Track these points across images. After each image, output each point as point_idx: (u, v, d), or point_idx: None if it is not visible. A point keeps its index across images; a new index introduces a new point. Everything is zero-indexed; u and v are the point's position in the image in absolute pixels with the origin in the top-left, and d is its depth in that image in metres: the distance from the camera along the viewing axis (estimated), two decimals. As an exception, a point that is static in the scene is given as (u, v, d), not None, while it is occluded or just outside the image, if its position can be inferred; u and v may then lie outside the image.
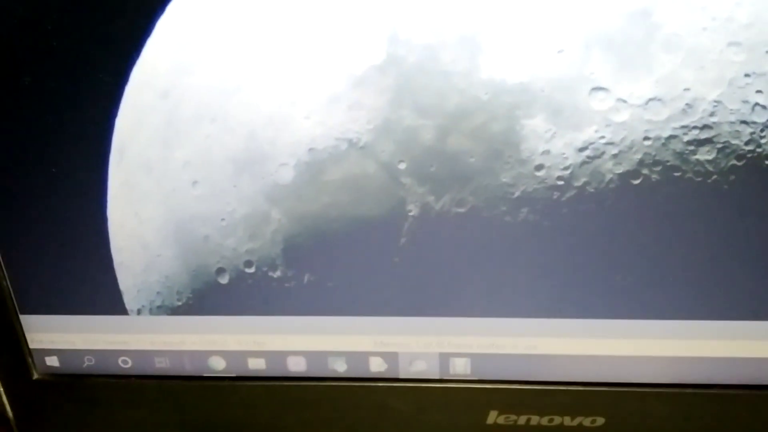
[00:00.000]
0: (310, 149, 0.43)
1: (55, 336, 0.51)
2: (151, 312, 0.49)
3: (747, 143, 0.40)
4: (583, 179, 0.42)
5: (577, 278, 0.45)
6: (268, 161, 0.43)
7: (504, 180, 0.42)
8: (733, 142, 0.40)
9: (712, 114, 0.40)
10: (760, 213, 0.42)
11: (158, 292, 0.48)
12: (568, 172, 0.42)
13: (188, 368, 0.52)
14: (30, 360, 0.52)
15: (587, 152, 0.41)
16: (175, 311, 0.49)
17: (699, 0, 0.38)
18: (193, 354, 0.51)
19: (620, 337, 0.47)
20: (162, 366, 0.52)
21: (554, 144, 0.41)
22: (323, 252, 0.46)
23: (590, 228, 0.43)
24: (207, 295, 0.48)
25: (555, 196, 0.42)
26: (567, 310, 0.46)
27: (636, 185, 0.41)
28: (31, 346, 0.52)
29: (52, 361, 0.52)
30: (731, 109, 0.39)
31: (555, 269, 0.45)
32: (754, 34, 0.38)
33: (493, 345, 0.48)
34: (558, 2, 0.39)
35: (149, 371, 0.52)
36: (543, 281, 0.45)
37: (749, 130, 0.40)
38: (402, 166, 0.43)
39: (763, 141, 0.40)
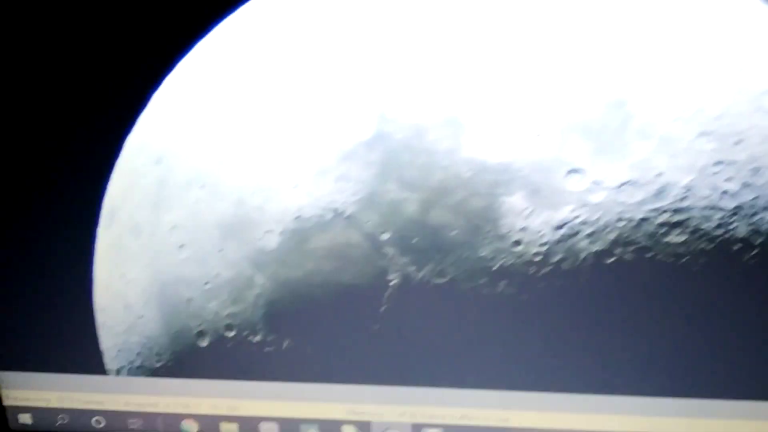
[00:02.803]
0: (297, 217, 0.44)
1: (31, 393, 0.51)
2: (130, 372, 0.49)
3: (717, 227, 0.41)
4: (560, 256, 0.43)
5: (551, 352, 0.46)
6: (255, 227, 0.44)
7: (483, 254, 0.43)
8: (704, 226, 0.42)
9: (683, 198, 0.41)
10: (730, 295, 0.43)
11: (138, 353, 0.48)
12: (545, 248, 0.43)
13: (161, 430, 0.51)
14: (2, 417, 0.52)
15: (563, 230, 0.42)
16: (154, 372, 0.49)
17: (671, 91, 0.40)
18: (166, 416, 0.51)
19: (592, 412, 0.47)
20: (135, 427, 0.51)
21: (532, 221, 0.43)
22: (304, 318, 0.46)
23: (565, 303, 0.44)
24: (186, 357, 0.48)
25: (532, 271, 0.43)
26: (541, 383, 0.47)
27: (609, 264, 0.43)
28: (5, 402, 0.51)
29: (25, 419, 0.52)
30: (701, 195, 0.41)
31: (530, 342, 0.46)
32: (724, 125, 0.40)
33: (465, 416, 0.49)
34: (537, 90, 0.41)
35: (122, 432, 0.52)
36: (518, 354, 0.46)
37: (719, 215, 0.41)
38: (385, 236, 0.44)
39: (732, 226, 0.41)
